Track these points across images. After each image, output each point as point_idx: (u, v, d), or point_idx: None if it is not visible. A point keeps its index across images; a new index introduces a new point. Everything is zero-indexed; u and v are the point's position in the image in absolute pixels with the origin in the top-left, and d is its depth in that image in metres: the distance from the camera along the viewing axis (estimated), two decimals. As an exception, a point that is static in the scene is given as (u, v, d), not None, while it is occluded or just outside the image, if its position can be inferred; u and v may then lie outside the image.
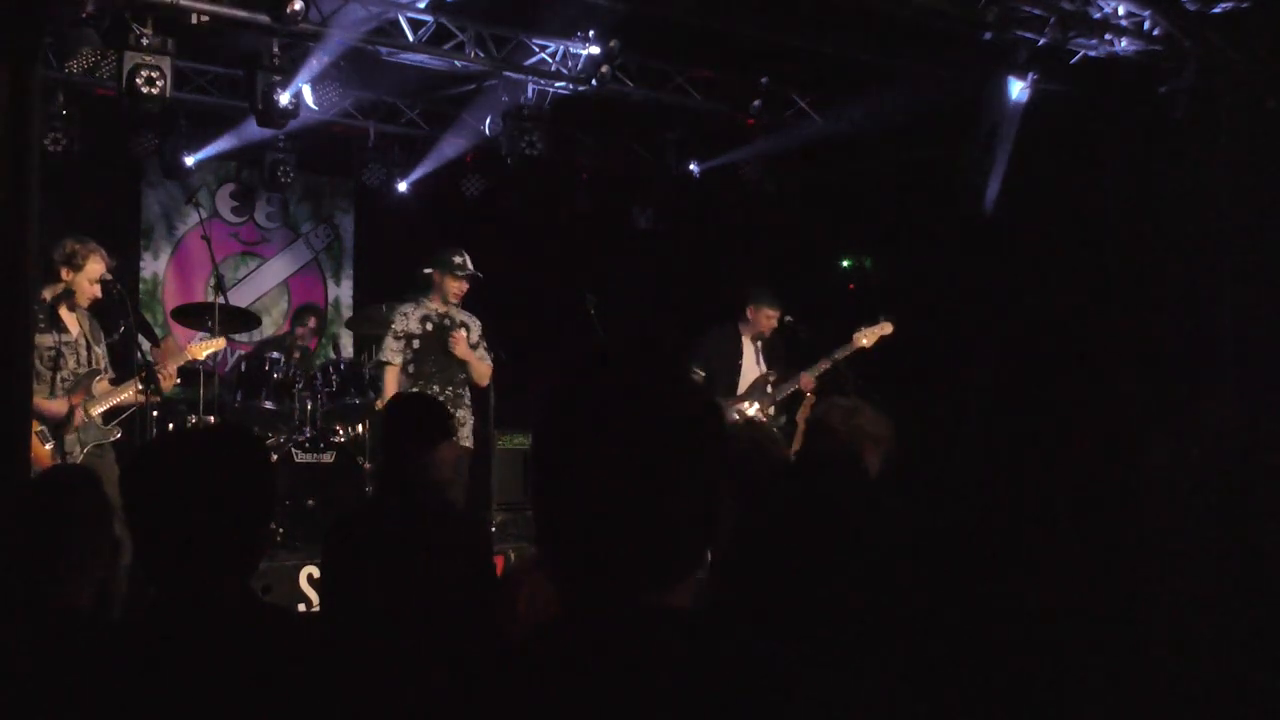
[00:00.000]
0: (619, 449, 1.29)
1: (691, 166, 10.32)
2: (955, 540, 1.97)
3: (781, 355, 7.81)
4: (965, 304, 8.69)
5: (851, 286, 10.26)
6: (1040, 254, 8.14)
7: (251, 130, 8.68)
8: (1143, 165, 7.66)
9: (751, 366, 7.75)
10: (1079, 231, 8.02)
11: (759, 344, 7.77)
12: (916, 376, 7.91)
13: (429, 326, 6.79)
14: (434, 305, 6.85)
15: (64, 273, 5.71)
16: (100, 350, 5.91)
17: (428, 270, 6.92)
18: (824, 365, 7.47)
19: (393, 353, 6.77)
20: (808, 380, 7.47)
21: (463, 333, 6.81)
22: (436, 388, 6.68)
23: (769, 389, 7.60)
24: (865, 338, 7.47)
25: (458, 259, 6.82)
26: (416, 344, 6.77)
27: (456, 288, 6.82)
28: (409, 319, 6.80)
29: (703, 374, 7.47)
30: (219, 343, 6.66)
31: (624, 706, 1.23)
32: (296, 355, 8.53)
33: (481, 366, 6.88)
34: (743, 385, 7.68)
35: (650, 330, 10.00)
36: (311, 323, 9.42)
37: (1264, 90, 7.19)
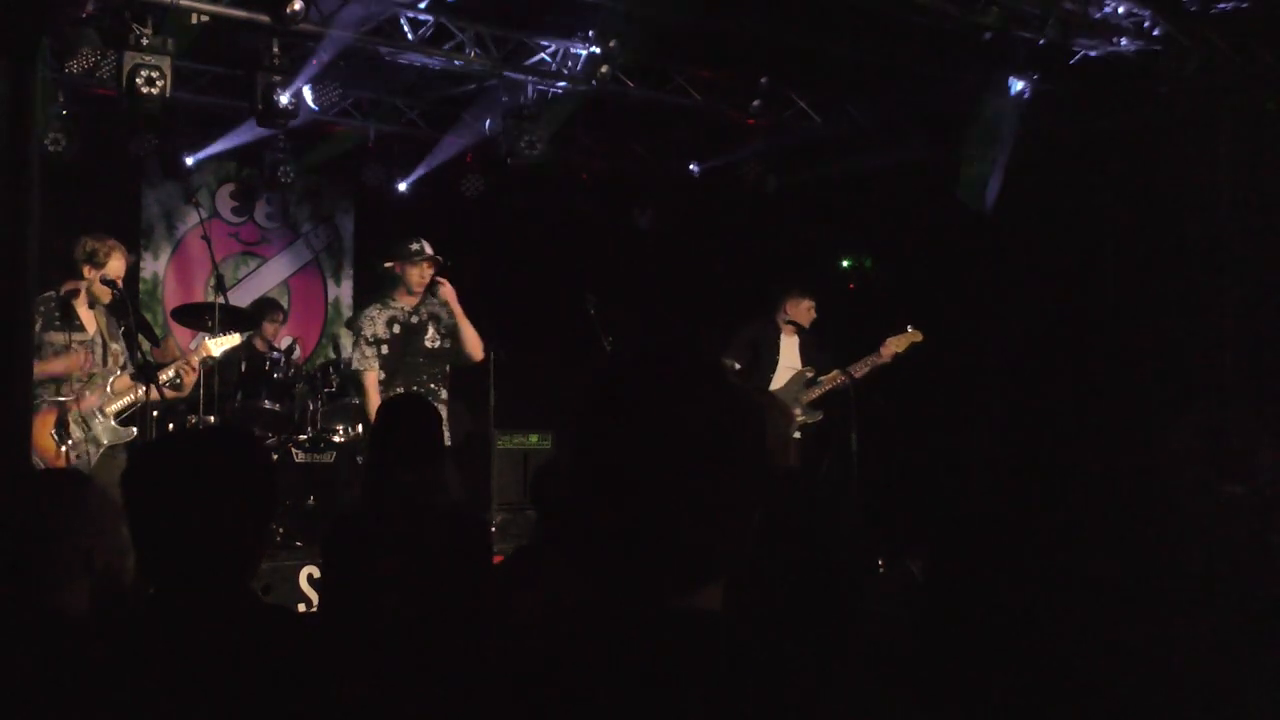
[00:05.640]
0: (654, 450, 1.29)
1: (691, 166, 10.32)
2: (962, 540, 1.97)
3: (819, 352, 7.90)
4: (965, 304, 8.69)
5: (852, 286, 10.26)
6: (1040, 254, 8.14)
7: (251, 130, 8.68)
8: (1143, 165, 7.66)
9: (790, 362, 7.83)
10: (1079, 232, 8.02)
11: (800, 338, 7.87)
12: (917, 377, 7.91)
13: (396, 329, 6.55)
14: (401, 303, 6.61)
15: (87, 270, 5.69)
16: (117, 347, 5.86)
17: (388, 264, 6.71)
18: (863, 368, 7.60)
19: (367, 360, 6.50)
20: (844, 380, 7.59)
21: (447, 298, 6.57)
22: (400, 389, 6.43)
23: (806, 385, 7.69)
24: (896, 344, 7.61)
25: (414, 245, 6.58)
26: (385, 349, 6.52)
27: (418, 275, 6.56)
28: (376, 323, 6.54)
29: (738, 366, 7.57)
30: (235, 338, 6.51)
31: (649, 707, 1.24)
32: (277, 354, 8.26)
33: (470, 332, 6.60)
34: (779, 380, 7.75)
35: (669, 330, 10.01)
36: (279, 317, 8.97)
37: (1264, 90, 7.19)
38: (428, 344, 6.63)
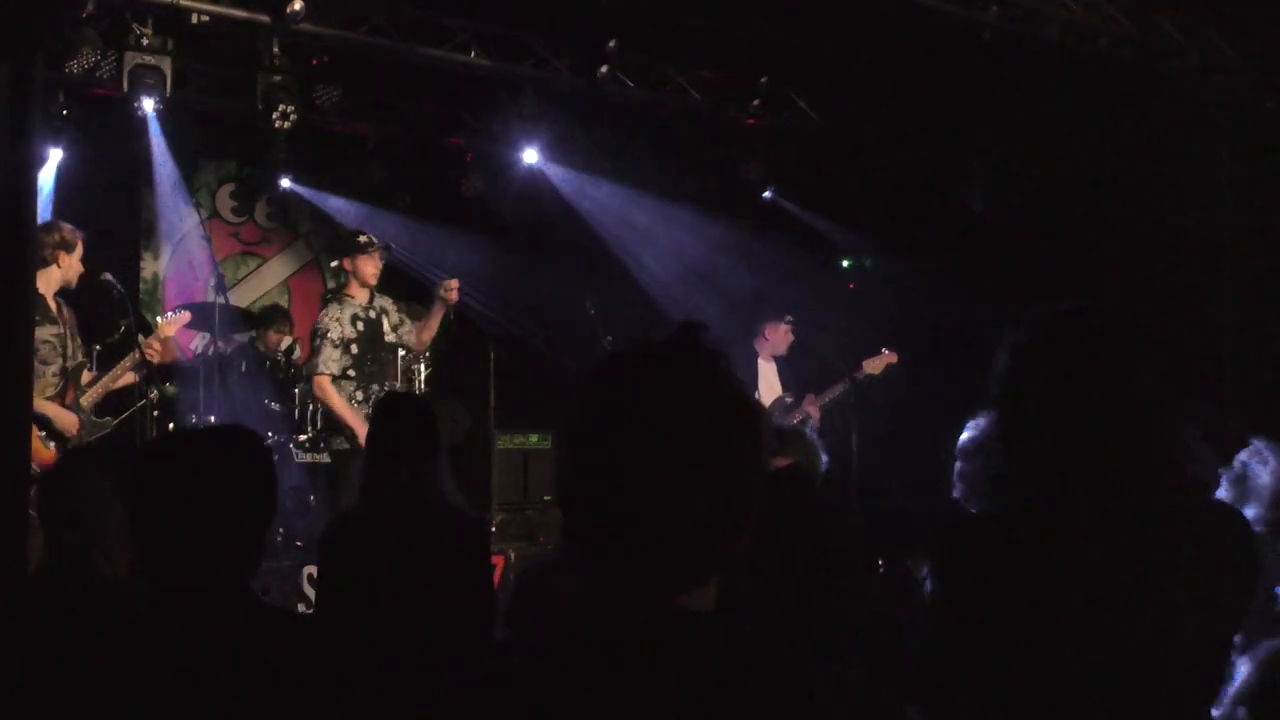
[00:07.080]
0: (652, 447, 1.28)
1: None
2: (962, 540, 1.97)
3: (796, 377, 7.91)
4: (965, 304, 8.68)
5: (852, 286, 10.25)
6: (1040, 254, 8.14)
7: (252, 130, 8.68)
8: (1143, 165, 7.66)
9: (770, 388, 7.79)
10: (1079, 231, 8.02)
11: (776, 362, 7.84)
12: (917, 376, 7.92)
13: (360, 326, 6.47)
14: (357, 299, 6.51)
15: (62, 257, 5.66)
16: (79, 341, 5.85)
17: (334, 263, 6.67)
18: (835, 391, 7.62)
19: (333, 363, 6.35)
20: (814, 409, 7.62)
21: (404, 320, 6.61)
22: (377, 386, 6.40)
23: (788, 411, 7.68)
24: (872, 366, 7.61)
25: (362, 238, 6.54)
26: (355, 348, 6.43)
27: (372, 266, 6.49)
28: (343, 324, 6.42)
29: None
30: (185, 316, 6.52)
31: (649, 707, 1.23)
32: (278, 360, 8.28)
33: (426, 335, 6.62)
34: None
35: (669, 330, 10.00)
36: (285, 329, 8.73)
37: (1264, 90, 7.19)
38: (386, 338, 6.60)
